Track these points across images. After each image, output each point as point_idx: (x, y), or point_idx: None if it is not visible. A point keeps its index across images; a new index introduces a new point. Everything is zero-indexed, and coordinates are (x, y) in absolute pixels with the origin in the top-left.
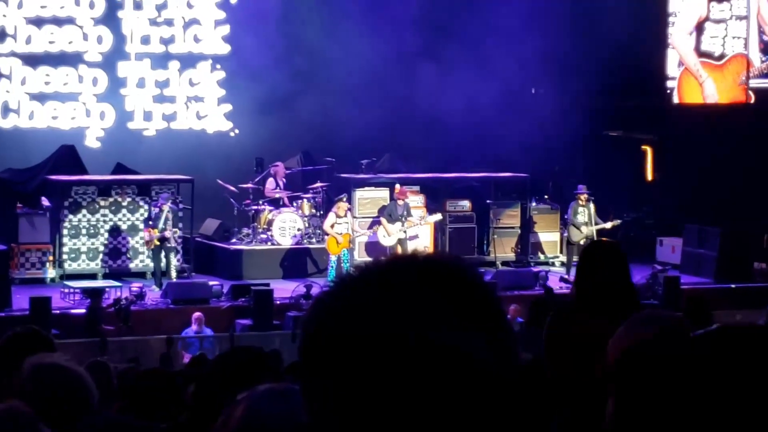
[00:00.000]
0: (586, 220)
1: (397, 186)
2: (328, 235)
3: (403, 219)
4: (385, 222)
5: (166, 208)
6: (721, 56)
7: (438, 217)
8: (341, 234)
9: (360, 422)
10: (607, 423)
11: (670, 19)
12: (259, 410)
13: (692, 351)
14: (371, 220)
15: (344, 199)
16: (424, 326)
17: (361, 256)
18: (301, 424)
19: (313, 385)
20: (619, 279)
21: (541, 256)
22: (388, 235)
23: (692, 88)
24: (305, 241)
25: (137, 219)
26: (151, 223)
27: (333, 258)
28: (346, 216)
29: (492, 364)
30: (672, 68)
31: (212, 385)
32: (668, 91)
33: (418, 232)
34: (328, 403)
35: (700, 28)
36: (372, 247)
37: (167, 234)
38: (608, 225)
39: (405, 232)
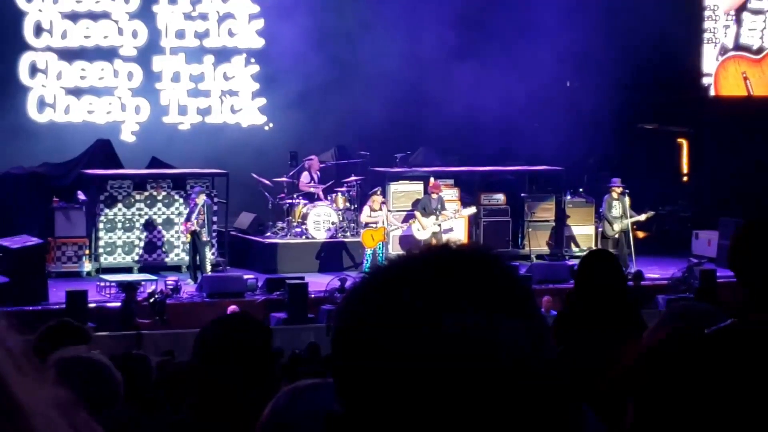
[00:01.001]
0: (621, 214)
1: (432, 179)
2: (365, 228)
3: (438, 212)
4: (419, 215)
5: (200, 200)
6: (760, 50)
7: (472, 210)
8: (376, 228)
9: (396, 413)
10: (627, 424)
11: (706, 12)
12: (284, 407)
13: (706, 347)
14: (405, 213)
15: (378, 192)
16: (459, 315)
17: (395, 250)
18: (330, 417)
19: (348, 377)
20: (615, 289)
21: (576, 250)
22: (423, 229)
23: (731, 80)
24: (340, 234)
25: (172, 213)
26: (185, 218)
27: (368, 251)
28: (381, 209)
29: (528, 352)
30: (707, 64)
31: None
32: (704, 86)
33: (452, 225)
34: (364, 394)
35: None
36: (406, 240)
37: (193, 227)
38: (642, 217)
39: (439, 225)
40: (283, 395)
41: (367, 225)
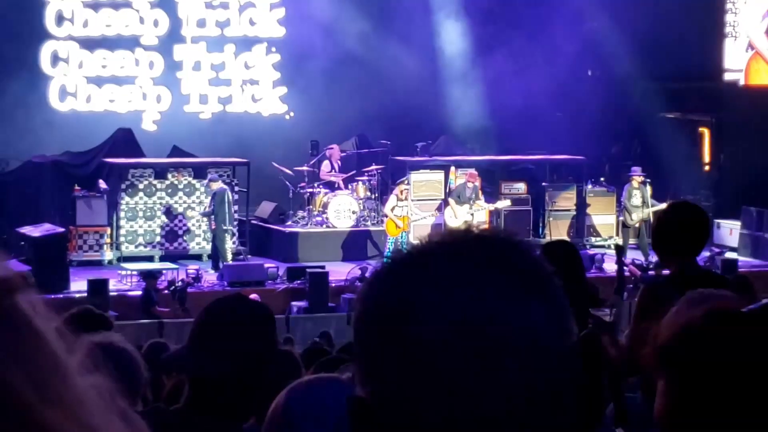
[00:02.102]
0: (641, 203)
1: (453, 168)
2: (387, 217)
3: (472, 202)
4: (453, 203)
5: (215, 186)
6: None
7: (507, 203)
8: (400, 217)
9: (419, 397)
10: (657, 414)
11: (727, 5)
12: (304, 399)
13: (742, 331)
14: (428, 202)
15: (405, 182)
16: (482, 297)
17: (415, 239)
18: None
19: (369, 361)
20: (572, 279)
21: (595, 239)
22: (455, 217)
23: (761, 72)
24: (360, 223)
25: (193, 201)
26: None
27: (390, 240)
28: (406, 199)
29: (551, 335)
30: (731, 56)
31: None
32: (726, 75)
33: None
34: (386, 378)
35: None
36: (436, 228)
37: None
38: (664, 206)
39: (472, 215)
40: (296, 389)
41: (393, 211)
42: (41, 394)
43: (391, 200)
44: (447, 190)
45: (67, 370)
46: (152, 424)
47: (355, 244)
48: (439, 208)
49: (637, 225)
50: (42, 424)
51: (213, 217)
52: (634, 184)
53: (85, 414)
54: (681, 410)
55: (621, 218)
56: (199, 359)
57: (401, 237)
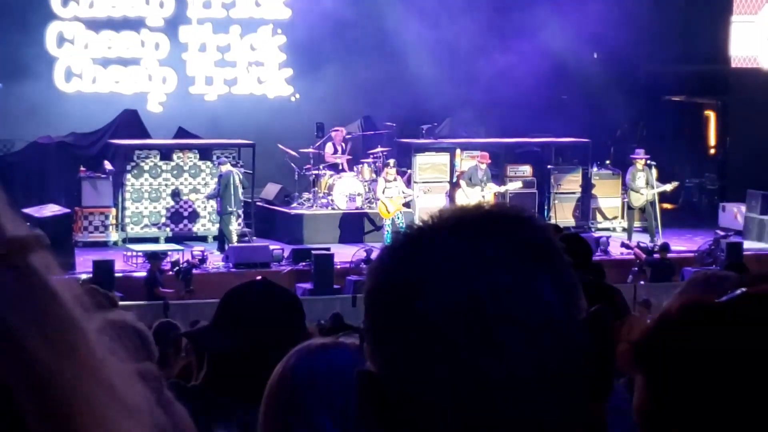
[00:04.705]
0: (645, 184)
1: (458, 150)
2: (379, 200)
3: (483, 184)
4: (464, 185)
5: (224, 169)
6: None
7: (519, 184)
8: (391, 198)
9: (427, 371)
10: (636, 409)
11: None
12: (298, 365)
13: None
14: (434, 184)
15: (391, 165)
16: (491, 272)
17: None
18: (363, 375)
19: (379, 335)
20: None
21: (602, 221)
22: (468, 199)
23: None
24: (364, 205)
25: (199, 183)
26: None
27: (387, 222)
28: (395, 180)
29: (560, 310)
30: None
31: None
32: (732, 57)
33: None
34: (395, 352)
35: None
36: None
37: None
38: (668, 187)
39: (484, 197)
40: (299, 354)
41: (384, 193)
42: (54, 348)
43: (380, 183)
44: (454, 173)
45: (83, 329)
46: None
47: (354, 226)
48: (448, 192)
49: (641, 207)
50: (54, 377)
51: (219, 199)
52: (638, 166)
53: (101, 369)
54: (658, 406)
55: (626, 200)
56: (220, 336)
57: (397, 217)
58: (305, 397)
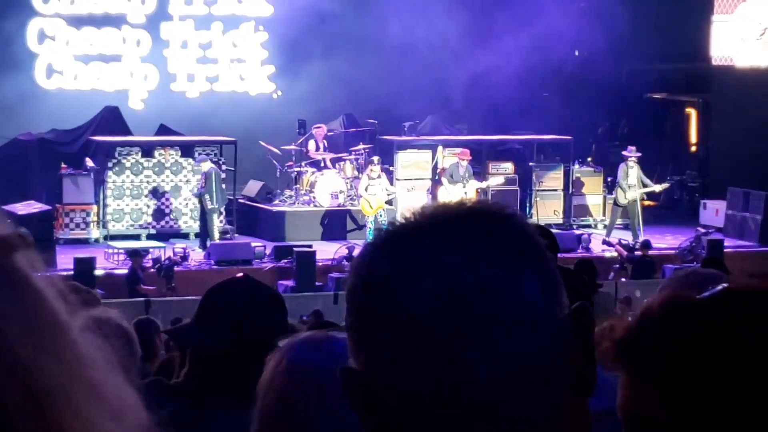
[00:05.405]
0: (636, 182)
1: (440, 147)
2: (361, 197)
3: (465, 181)
4: (446, 182)
5: (204, 168)
6: None
7: (500, 180)
8: (374, 195)
9: (411, 366)
10: (619, 407)
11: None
12: (297, 359)
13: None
14: (415, 181)
15: (375, 162)
16: (474, 267)
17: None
18: (347, 372)
19: (362, 331)
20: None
21: (583, 219)
22: (449, 196)
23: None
24: (346, 202)
25: (180, 180)
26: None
27: (370, 219)
28: (379, 177)
29: (543, 306)
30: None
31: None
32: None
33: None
34: (378, 348)
35: None
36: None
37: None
38: (658, 188)
39: (465, 194)
40: (292, 346)
41: (366, 191)
42: (38, 348)
43: (363, 180)
44: (436, 170)
45: (67, 328)
46: (155, 396)
47: (336, 223)
48: (430, 189)
49: (627, 204)
50: (37, 377)
51: (207, 197)
52: (630, 163)
53: (85, 369)
54: (641, 404)
55: (613, 196)
56: (202, 334)
57: (379, 215)
58: (310, 390)
